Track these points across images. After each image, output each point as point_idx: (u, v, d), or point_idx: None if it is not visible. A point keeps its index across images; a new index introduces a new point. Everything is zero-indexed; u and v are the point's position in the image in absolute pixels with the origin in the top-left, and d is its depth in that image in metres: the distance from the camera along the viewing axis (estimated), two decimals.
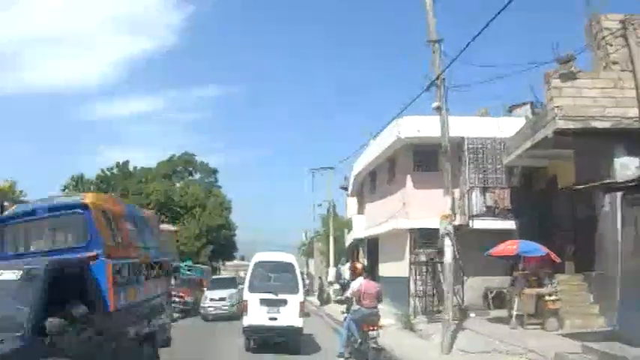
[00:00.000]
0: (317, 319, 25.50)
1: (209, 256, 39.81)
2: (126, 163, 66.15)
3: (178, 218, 40.74)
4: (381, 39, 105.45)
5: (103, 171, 66.24)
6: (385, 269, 22.21)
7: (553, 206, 15.84)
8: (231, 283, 25.15)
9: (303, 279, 16.26)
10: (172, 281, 28.29)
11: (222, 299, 22.58)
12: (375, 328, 11.63)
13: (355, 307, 11.98)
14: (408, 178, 19.26)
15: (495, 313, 16.49)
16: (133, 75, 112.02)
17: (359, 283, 12.28)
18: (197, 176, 50.86)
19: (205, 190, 47.35)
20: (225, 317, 21.52)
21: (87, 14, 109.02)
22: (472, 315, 16.28)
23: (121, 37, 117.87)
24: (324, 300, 33.96)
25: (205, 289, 25.01)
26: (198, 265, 31.04)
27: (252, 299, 12.86)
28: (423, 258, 18.39)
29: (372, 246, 24.50)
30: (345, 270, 34.39)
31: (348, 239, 30.51)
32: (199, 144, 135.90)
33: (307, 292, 47.63)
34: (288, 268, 13.64)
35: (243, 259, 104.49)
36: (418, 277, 18.38)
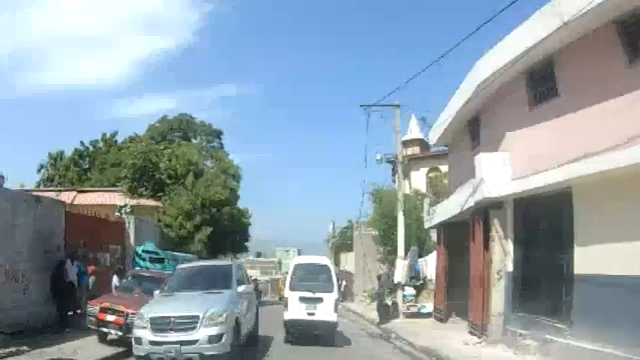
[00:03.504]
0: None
1: (206, 243, 27.11)
2: (114, 134, 54.30)
3: (164, 190, 28.23)
4: None
5: (82, 143, 54.48)
6: (614, 261, 9.24)
7: None
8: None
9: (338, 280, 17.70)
10: (115, 280, 15.62)
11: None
12: None
13: None
14: None
15: None
16: (151, 74, 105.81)
17: None
18: (196, 141, 38.38)
19: (204, 153, 34.94)
20: None
21: (105, 14, 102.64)
22: None
23: (138, 37, 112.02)
24: (390, 312, 20.98)
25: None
26: (173, 253, 17.28)
27: (293, 297, 14.03)
28: None
29: (539, 212, 11.69)
30: (427, 264, 21.56)
31: (439, 214, 17.84)
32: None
33: (343, 297, 34.62)
34: (324, 269, 14.84)
35: (259, 255, 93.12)
36: None
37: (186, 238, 26.54)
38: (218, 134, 39.05)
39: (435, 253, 20.32)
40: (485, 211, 13.46)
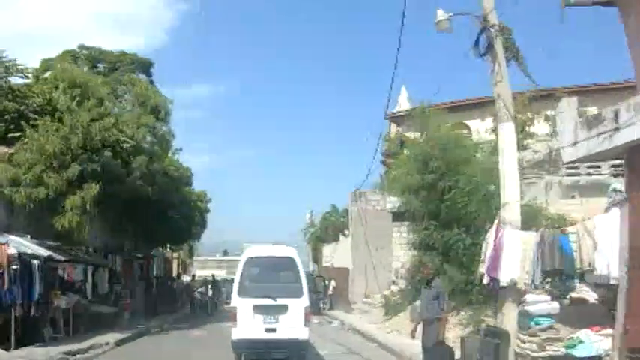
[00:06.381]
0: None
1: (91, 214, 14.13)
2: None
3: (22, 129, 15.42)
4: None
5: None
6: None
7: None
8: None
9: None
10: None
11: None
12: None
13: None
14: None
15: None
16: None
17: None
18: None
19: (120, 87, 22.02)
20: None
21: (75, 11, 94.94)
22: None
23: (110, 36, 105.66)
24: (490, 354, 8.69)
25: None
26: None
27: (244, 306, 10.44)
28: None
29: None
30: (596, 234, 9.34)
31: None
32: (190, 143, 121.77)
33: (331, 304, 28.05)
34: (288, 264, 11.05)
35: (226, 254, 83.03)
36: None
37: (51, 204, 13.73)
38: (146, 67, 26.10)
39: (614, 210, 8.25)
40: None
